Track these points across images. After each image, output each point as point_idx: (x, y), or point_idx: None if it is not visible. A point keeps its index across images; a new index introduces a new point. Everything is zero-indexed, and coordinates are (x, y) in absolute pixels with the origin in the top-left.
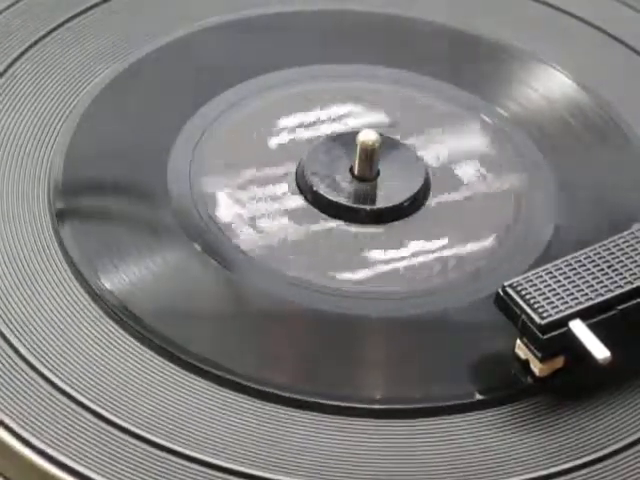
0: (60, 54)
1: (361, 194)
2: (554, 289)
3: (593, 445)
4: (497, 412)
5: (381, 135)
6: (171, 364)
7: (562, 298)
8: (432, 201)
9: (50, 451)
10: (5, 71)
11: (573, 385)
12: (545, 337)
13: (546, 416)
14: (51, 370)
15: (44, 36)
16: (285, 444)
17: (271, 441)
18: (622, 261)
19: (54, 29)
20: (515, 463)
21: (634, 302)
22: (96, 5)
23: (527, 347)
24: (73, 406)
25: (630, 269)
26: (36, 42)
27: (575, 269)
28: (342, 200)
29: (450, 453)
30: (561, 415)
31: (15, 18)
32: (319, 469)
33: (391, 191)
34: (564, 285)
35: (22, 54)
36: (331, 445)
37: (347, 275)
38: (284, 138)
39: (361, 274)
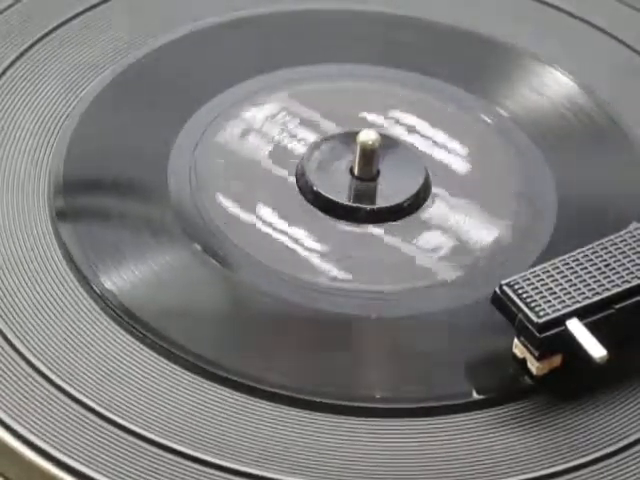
0: (60, 54)
1: (361, 194)
2: (551, 288)
3: (592, 445)
4: (496, 412)
5: (381, 135)
6: (171, 364)
7: (559, 297)
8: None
9: (50, 451)
10: (5, 71)
11: (571, 385)
12: (542, 336)
13: (545, 416)
14: (51, 369)
15: (44, 36)
16: (284, 443)
17: (270, 440)
18: (619, 260)
19: (54, 29)
20: (514, 463)
21: (631, 301)
22: (96, 5)
23: (524, 346)
24: (73, 405)
25: (627, 268)
26: (36, 42)
27: (572, 268)
28: (342, 200)
29: (448, 453)
30: (559, 415)
31: (15, 18)
32: (318, 468)
33: (391, 191)
34: (561, 284)
35: (22, 54)
36: (330, 444)
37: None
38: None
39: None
